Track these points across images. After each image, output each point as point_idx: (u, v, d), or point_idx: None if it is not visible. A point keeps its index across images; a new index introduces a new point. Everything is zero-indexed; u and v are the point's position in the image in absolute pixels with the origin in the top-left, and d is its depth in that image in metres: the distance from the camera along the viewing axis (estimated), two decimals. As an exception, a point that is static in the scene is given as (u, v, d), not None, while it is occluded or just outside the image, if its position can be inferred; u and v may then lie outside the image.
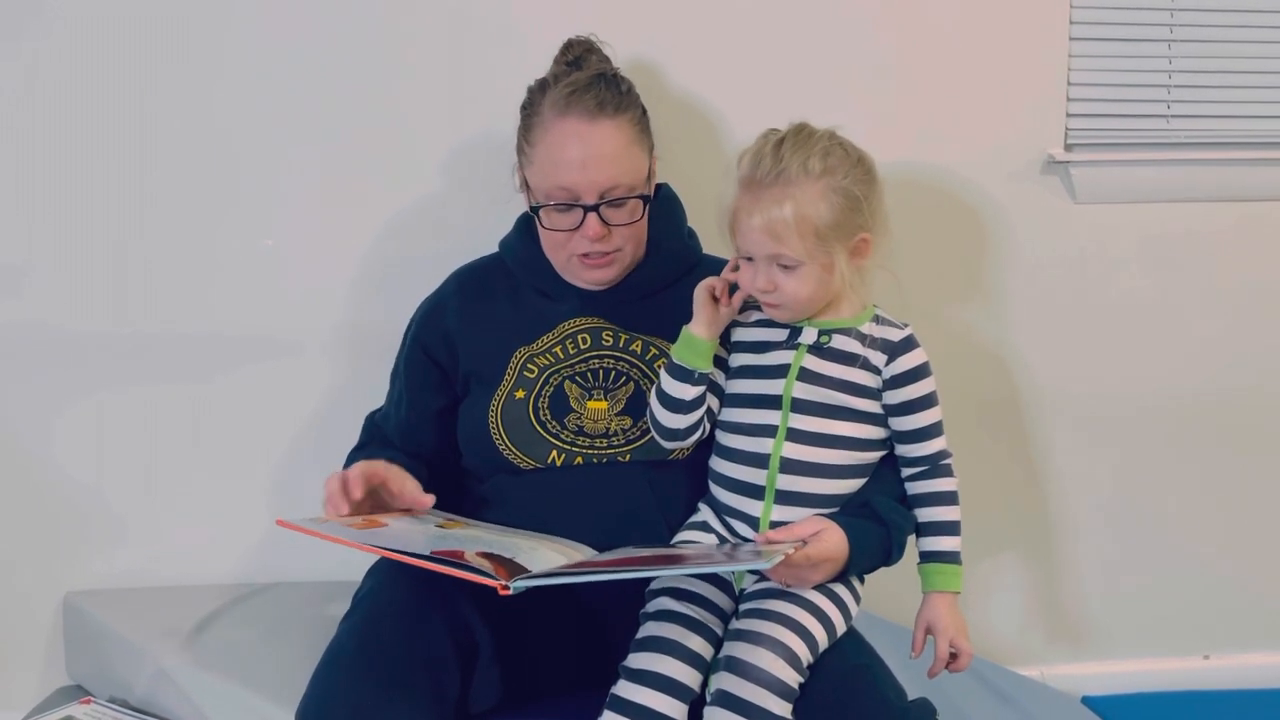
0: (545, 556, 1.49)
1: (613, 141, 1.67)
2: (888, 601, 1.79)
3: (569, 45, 1.79)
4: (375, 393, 1.87)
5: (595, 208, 1.66)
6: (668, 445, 1.67)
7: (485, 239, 1.86)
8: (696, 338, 1.62)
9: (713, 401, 1.66)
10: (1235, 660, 2.41)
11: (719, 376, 1.66)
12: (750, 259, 1.58)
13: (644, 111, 1.74)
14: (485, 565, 1.41)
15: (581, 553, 1.55)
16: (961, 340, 2.23)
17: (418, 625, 1.51)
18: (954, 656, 1.62)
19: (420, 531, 1.54)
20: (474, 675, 1.54)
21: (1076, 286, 2.26)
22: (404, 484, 1.63)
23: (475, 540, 1.52)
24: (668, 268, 1.72)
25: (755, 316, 1.66)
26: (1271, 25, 2.23)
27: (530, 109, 1.72)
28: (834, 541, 1.55)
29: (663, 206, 1.81)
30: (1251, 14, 2.22)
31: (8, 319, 2.03)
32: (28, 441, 2.06)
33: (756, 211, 1.55)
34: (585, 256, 1.70)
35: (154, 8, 1.98)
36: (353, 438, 1.86)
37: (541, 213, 1.70)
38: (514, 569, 1.41)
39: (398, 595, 1.54)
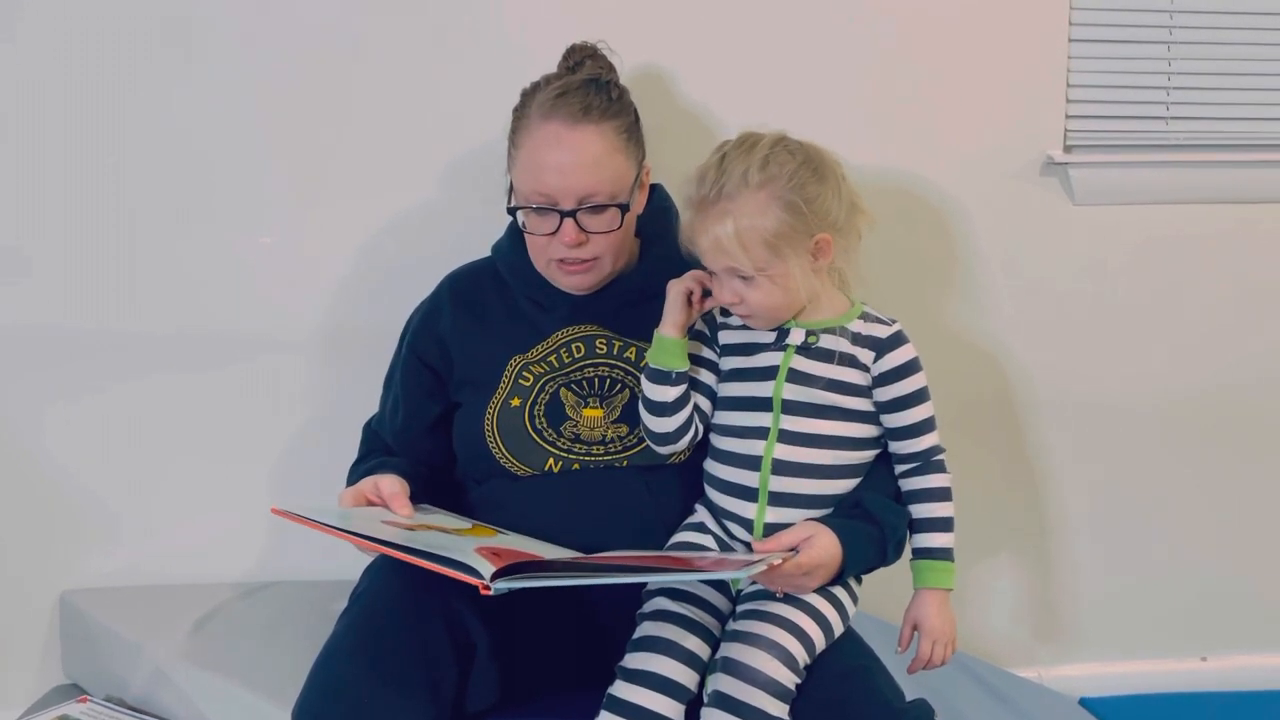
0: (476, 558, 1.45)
1: (594, 148, 1.65)
2: (886, 602, 1.79)
3: (571, 50, 1.77)
4: (372, 394, 1.87)
5: (572, 213, 1.65)
6: (663, 451, 1.67)
7: (478, 241, 1.86)
8: (666, 338, 1.62)
9: (705, 404, 1.66)
10: (1232, 662, 2.41)
11: (710, 378, 1.67)
12: (715, 273, 1.58)
13: (635, 120, 1.72)
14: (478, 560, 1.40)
15: (553, 554, 1.54)
16: (959, 341, 2.23)
17: (414, 622, 1.51)
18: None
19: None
20: (471, 673, 1.55)
21: (1074, 288, 2.26)
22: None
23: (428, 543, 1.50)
24: (660, 273, 1.69)
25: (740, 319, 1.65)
26: (1271, 28, 2.23)
27: (520, 110, 1.71)
28: (825, 546, 1.54)
29: (656, 211, 1.80)
30: (1251, 16, 2.22)
31: (3, 317, 2.03)
32: (24, 440, 2.06)
33: (704, 230, 1.55)
34: (562, 262, 1.69)
35: (154, 9, 1.98)
36: (349, 437, 1.86)
37: (520, 215, 1.69)
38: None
39: (395, 592, 1.54)
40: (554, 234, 1.66)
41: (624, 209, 1.68)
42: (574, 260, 1.68)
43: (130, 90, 2.00)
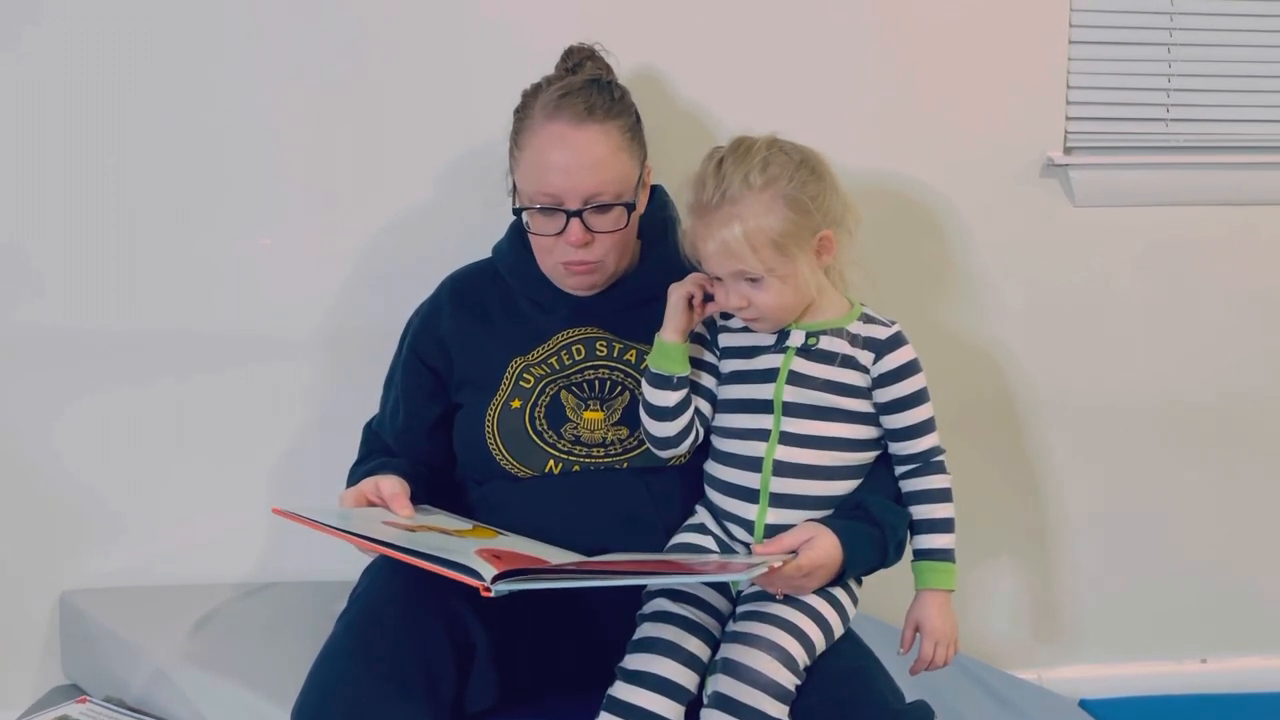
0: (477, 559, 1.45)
1: (599, 147, 1.65)
2: (886, 604, 1.79)
3: (569, 52, 1.78)
4: (372, 394, 1.87)
5: (579, 213, 1.65)
6: (663, 455, 1.67)
7: (478, 241, 1.86)
8: (668, 343, 1.62)
9: (705, 407, 1.66)
10: (1232, 664, 2.41)
11: (710, 382, 1.67)
12: (720, 279, 1.58)
13: (637, 120, 1.73)
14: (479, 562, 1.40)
15: (553, 555, 1.54)
16: (959, 342, 2.23)
17: (413, 623, 1.51)
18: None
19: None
20: (470, 674, 1.54)
21: (1075, 290, 2.26)
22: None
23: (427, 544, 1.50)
24: (661, 275, 1.69)
25: (742, 322, 1.65)
26: (1271, 30, 2.23)
27: (522, 111, 1.71)
28: (825, 547, 1.54)
29: (657, 213, 1.80)
30: (1251, 18, 2.22)
31: (4, 318, 2.03)
32: (25, 440, 2.06)
33: (709, 236, 1.55)
34: (569, 264, 1.69)
35: (152, 10, 1.98)
36: (349, 438, 1.86)
37: (526, 216, 1.69)
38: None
39: (394, 593, 1.54)
40: (560, 234, 1.66)
41: (630, 208, 1.68)
42: (579, 261, 1.68)
43: (130, 90, 2.00)
